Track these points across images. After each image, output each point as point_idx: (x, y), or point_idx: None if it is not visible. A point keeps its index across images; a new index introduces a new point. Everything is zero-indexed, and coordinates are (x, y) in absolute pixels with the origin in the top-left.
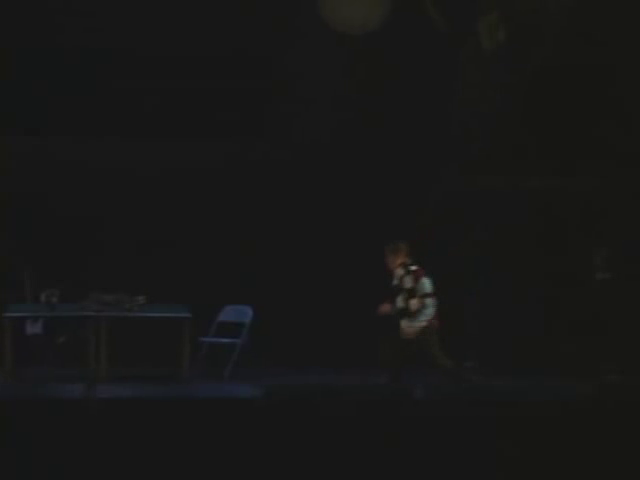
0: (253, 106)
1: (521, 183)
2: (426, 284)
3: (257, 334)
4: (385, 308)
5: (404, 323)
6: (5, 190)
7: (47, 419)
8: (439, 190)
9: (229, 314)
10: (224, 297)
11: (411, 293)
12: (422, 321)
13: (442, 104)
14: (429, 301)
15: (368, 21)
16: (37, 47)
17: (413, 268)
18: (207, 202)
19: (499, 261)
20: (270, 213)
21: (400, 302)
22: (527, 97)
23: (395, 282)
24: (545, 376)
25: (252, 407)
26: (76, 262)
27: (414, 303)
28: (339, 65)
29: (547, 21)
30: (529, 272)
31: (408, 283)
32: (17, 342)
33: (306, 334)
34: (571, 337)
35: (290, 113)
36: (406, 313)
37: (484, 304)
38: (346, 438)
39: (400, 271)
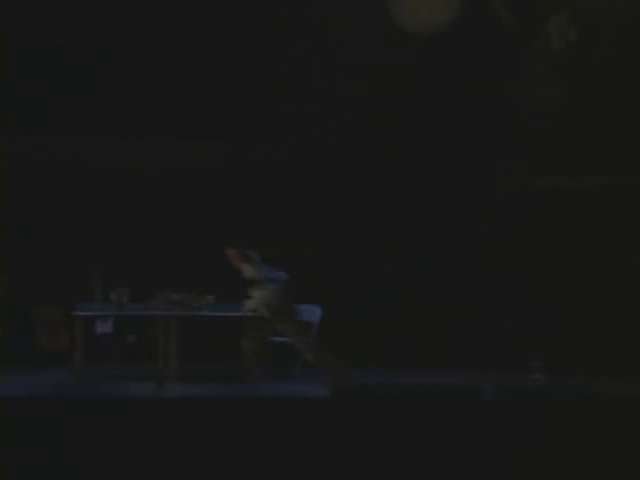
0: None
1: (586, 182)
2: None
3: (325, 334)
4: None
5: None
6: (79, 191)
7: (116, 418)
8: (504, 189)
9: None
10: (295, 297)
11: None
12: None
13: (506, 103)
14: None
15: (439, 20)
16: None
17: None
18: (270, 202)
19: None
20: (334, 212)
21: None
22: (590, 96)
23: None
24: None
25: (319, 406)
26: (146, 261)
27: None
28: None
29: (614, 20)
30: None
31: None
32: (87, 341)
33: (371, 334)
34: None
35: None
36: None
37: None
38: (414, 438)
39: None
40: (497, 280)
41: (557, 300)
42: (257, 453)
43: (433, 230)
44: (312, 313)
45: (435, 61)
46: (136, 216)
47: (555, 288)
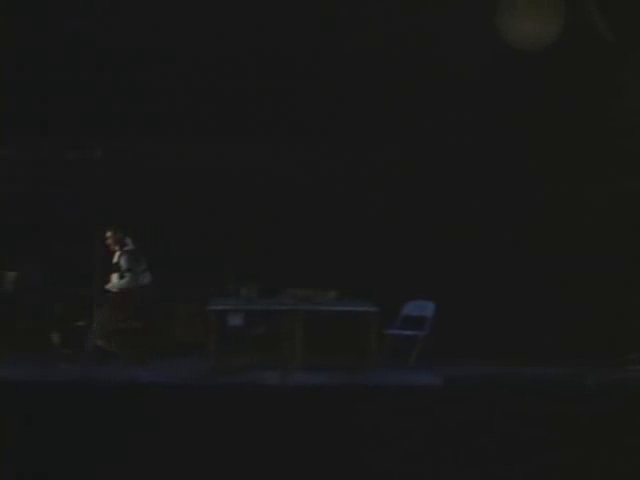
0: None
1: None
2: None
3: (439, 327)
4: None
5: None
6: (214, 199)
7: (245, 403)
8: (604, 192)
9: (413, 308)
10: (409, 293)
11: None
12: None
13: (604, 111)
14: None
15: (544, 36)
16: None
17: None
18: (387, 204)
19: None
20: (450, 216)
21: None
22: None
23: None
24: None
25: (432, 395)
26: (274, 260)
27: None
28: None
29: None
30: None
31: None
32: (220, 333)
33: (484, 328)
34: None
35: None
36: None
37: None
38: (517, 428)
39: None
40: (593, 266)
41: None
42: (374, 436)
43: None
44: (425, 308)
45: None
46: (264, 220)
47: None
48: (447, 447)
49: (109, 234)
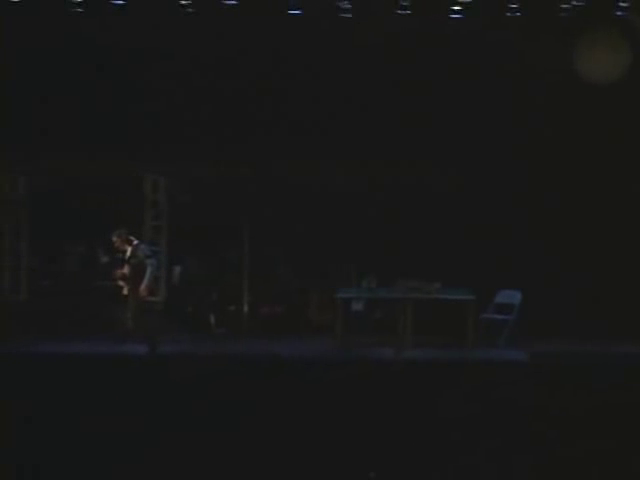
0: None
1: None
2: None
3: (525, 312)
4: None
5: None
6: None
7: (365, 376)
8: None
9: (503, 297)
10: (500, 283)
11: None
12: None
13: None
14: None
15: (616, 70)
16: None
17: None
18: (478, 209)
19: None
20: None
21: None
22: None
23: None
24: None
25: (519, 369)
26: (390, 255)
27: None
28: None
29: None
30: None
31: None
32: (345, 317)
33: (566, 312)
34: None
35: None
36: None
37: None
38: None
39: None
40: None
41: None
42: (469, 408)
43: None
44: (513, 297)
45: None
46: (382, 224)
47: None
48: (536, 413)
49: (115, 239)
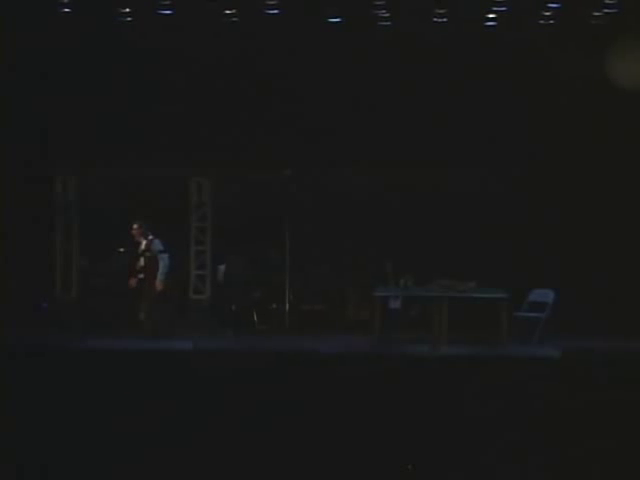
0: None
1: None
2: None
3: (558, 311)
4: None
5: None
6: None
7: (402, 370)
8: None
9: (536, 296)
10: (534, 282)
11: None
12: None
13: None
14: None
15: None
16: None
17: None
18: (513, 210)
19: None
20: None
21: None
22: None
23: None
24: None
25: (551, 364)
26: (426, 256)
27: None
28: None
29: None
30: None
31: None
32: (383, 314)
33: (598, 310)
34: None
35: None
36: None
37: None
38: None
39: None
40: None
41: None
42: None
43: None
44: (547, 295)
45: None
46: (418, 228)
47: None
48: (569, 409)
49: (136, 226)
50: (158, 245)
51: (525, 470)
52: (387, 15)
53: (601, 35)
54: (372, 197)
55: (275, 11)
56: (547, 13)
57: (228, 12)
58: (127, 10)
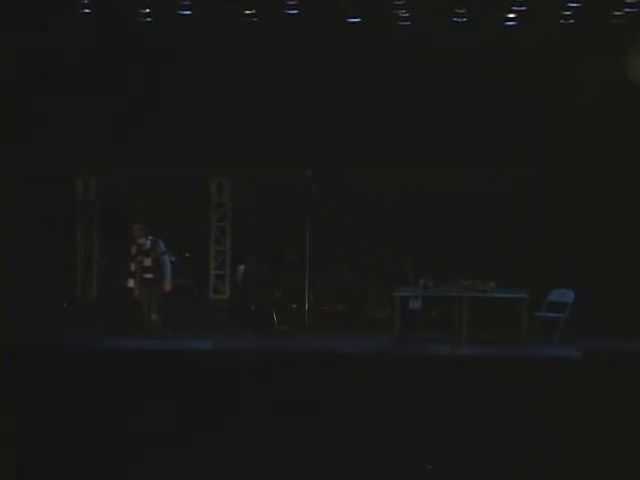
0: None
1: None
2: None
3: (578, 311)
4: None
5: None
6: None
7: (423, 370)
8: None
9: (556, 296)
10: (554, 282)
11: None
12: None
13: None
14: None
15: None
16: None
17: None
18: (534, 211)
19: None
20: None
21: None
22: None
23: None
24: None
25: (572, 364)
26: (445, 256)
27: None
28: None
29: None
30: None
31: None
32: (403, 314)
33: (618, 311)
34: None
35: None
36: None
37: None
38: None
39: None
40: None
41: None
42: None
43: None
44: (567, 295)
45: None
46: (438, 228)
47: None
48: (589, 407)
49: (136, 228)
50: (162, 246)
51: (542, 470)
52: (406, 15)
53: (622, 35)
54: (392, 197)
55: (294, 11)
56: (567, 13)
57: (247, 12)
58: (147, 10)
